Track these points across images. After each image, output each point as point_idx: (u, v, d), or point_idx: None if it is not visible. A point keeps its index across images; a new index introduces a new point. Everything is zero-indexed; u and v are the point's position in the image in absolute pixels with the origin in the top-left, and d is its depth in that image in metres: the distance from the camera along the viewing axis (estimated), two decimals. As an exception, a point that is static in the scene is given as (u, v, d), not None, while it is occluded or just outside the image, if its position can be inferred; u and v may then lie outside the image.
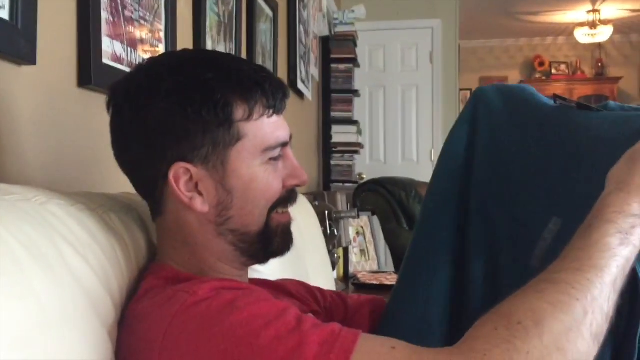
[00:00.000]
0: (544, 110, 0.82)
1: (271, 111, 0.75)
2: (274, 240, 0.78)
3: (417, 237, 0.90)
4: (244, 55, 1.98)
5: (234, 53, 1.82)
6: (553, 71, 7.00)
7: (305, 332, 0.60)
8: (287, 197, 0.79)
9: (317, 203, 2.29)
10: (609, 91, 6.79)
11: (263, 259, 0.80)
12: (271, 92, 0.74)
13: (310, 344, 0.59)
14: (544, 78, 6.96)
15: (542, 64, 7.03)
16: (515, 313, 0.57)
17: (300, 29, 2.87)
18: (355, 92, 3.83)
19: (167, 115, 0.72)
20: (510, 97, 0.87)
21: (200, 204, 0.73)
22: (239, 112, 0.72)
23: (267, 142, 0.74)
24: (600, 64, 6.93)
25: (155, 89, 0.72)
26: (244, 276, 0.81)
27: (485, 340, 0.56)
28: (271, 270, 0.98)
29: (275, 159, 0.76)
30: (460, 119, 0.90)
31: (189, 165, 0.72)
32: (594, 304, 0.57)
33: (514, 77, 7.16)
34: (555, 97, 0.81)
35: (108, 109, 0.76)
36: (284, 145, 0.77)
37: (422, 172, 3.99)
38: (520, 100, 0.86)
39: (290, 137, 0.79)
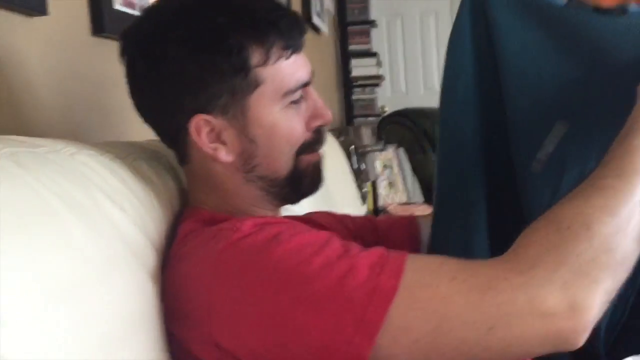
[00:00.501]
0: (553, 9, 0.76)
1: (289, 52, 0.71)
2: (303, 181, 0.77)
3: (443, 163, 0.86)
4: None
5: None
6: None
7: (354, 257, 0.61)
8: (315, 140, 0.76)
9: (342, 139, 2.27)
10: None
11: (295, 200, 0.80)
12: (287, 31, 0.71)
13: (360, 267, 0.59)
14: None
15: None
16: (564, 218, 0.60)
17: (311, -40, 2.77)
18: (372, 23, 3.73)
19: (180, 66, 0.69)
20: None
21: (225, 155, 0.72)
22: (255, 56, 0.69)
23: (287, 85, 0.71)
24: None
25: (165, 37, 0.69)
26: (277, 215, 0.81)
27: (537, 245, 0.58)
28: (302, 207, 0.98)
29: (296, 101, 0.73)
30: (460, 17, 0.82)
31: (208, 117, 0.71)
32: (638, 207, 0.60)
33: None
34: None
35: (121, 58, 0.74)
36: (305, 85, 0.74)
37: (445, 100, 3.92)
38: None
39: (312, 75, 0.76)
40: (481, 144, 0.82)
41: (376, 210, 2.57)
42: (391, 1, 4.76)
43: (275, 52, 0.70)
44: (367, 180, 2.39)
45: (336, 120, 3.29)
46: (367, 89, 3.59)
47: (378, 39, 4.49)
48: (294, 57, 0.72)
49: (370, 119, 3.52)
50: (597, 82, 0.72)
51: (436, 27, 4.87)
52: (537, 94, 0.76)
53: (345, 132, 2.50)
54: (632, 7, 0.73)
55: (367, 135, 2.65)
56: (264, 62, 0.70)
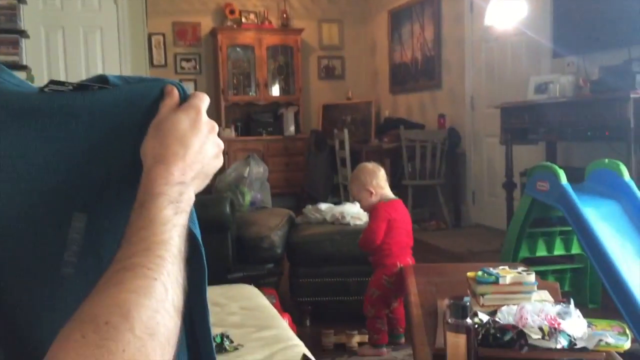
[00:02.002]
0: (25, 100, 0.68)
1: None
2: None
3: None
4: None
5: None
6: (243, 20, 7.27)
7: None
8: None
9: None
10: (294, 41, 7.35)
11: None
12: None
13: None
14: (235, 26, 7.19)
15: (232, 12, 7.24)
16: (100, 313, 0.52)
17: None
18: (23, 33, 3.45)
19: None
20: None
21: None
22: None
23: None
24: (285, 15, 7.42)
25: None
26: None
27: (74, 353, 0.50)
28: None
29: None
30: None
31: None
32: (171, 278, 0.57)
33: (206, 24, 7.25)
34: (50, 82, 0.71)
35: None
36: None
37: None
38: None
39: None
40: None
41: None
42: (51, 11, 4.46)
43: None
44: None
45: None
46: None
47: (35, 51, 4.17)
48: None
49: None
50: (101, 159, 0.68)
51: (102, 43, 4.75)
52: (36, 192, 0.67)
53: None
54: (110, 77, 0.71)
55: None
56: None
